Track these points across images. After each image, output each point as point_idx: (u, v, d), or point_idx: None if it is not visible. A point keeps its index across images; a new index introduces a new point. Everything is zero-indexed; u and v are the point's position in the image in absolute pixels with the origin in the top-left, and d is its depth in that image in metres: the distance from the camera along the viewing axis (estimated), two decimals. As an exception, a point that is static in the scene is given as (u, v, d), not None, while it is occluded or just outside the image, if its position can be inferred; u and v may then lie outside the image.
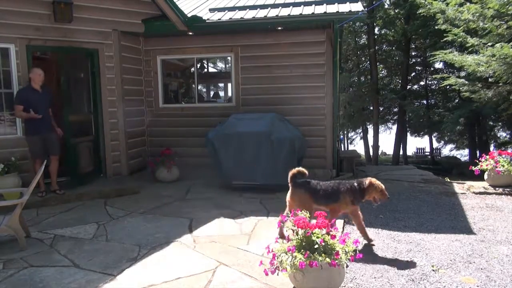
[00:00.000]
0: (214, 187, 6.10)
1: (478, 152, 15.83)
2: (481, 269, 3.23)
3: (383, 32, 20.85)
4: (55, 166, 5.47)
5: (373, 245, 3.74)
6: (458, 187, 6.15)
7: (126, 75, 6.67)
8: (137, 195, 5.73)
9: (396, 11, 18.66)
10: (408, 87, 20.25)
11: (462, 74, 11.62)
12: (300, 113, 6.75)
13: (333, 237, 2.72)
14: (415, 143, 25.00)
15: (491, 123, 17.55)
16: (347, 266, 3.16)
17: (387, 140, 24.22)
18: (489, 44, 7.54)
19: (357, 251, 2.75)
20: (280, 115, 6.29)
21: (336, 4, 6.54)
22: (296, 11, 6.43)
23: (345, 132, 26.24)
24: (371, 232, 4.14)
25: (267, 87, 6.89)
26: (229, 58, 7.33)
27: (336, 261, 2.58)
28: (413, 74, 21.14)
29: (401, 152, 20.86)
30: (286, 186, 6.09)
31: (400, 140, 19.60)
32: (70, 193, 5.51)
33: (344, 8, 6.22)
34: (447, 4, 8.37)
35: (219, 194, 5.73)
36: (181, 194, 5.77)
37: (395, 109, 21.49)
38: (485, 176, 6.17)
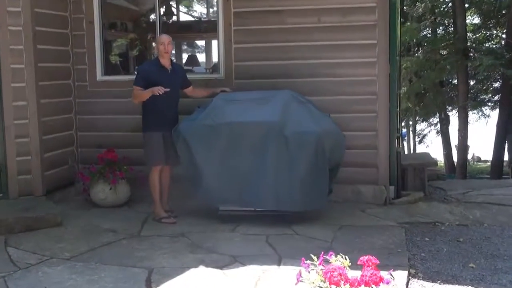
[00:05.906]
0: (189, 215, 6.13)
1: None
2: None
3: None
4: (169, 179, 6.20)
5: None
6: None
7: (40, 27, 6.64)
8: (59, 229, 5.74)
9: None
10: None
11: None
12: (333, 91, 6.76)
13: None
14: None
15: None
16: None
17: (482, 137, 24.12)
18: None
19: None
20: (299, 94, 6.25)
21: None
22: None
23: (411, 123, 26.22)
24: (454, 292, 4.10)
25: (277, 46, 6.88)
26: (213, -2, 7.34)
27: None
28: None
29: (505, 157, 20.77)
30: (310, 214, 6.03)
31: (505, 137, 19.51)
32: None
33: None
34: None
35: (197, 227, 5.75)
36: (134, 227, 5.80)
37: (496, 84, 21.44)
38: None
